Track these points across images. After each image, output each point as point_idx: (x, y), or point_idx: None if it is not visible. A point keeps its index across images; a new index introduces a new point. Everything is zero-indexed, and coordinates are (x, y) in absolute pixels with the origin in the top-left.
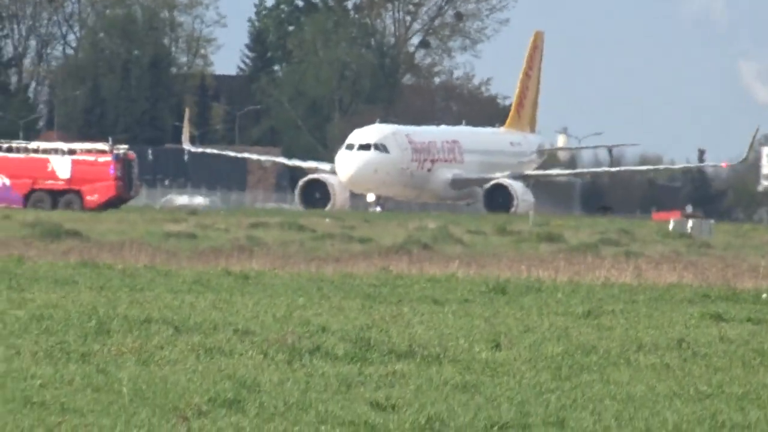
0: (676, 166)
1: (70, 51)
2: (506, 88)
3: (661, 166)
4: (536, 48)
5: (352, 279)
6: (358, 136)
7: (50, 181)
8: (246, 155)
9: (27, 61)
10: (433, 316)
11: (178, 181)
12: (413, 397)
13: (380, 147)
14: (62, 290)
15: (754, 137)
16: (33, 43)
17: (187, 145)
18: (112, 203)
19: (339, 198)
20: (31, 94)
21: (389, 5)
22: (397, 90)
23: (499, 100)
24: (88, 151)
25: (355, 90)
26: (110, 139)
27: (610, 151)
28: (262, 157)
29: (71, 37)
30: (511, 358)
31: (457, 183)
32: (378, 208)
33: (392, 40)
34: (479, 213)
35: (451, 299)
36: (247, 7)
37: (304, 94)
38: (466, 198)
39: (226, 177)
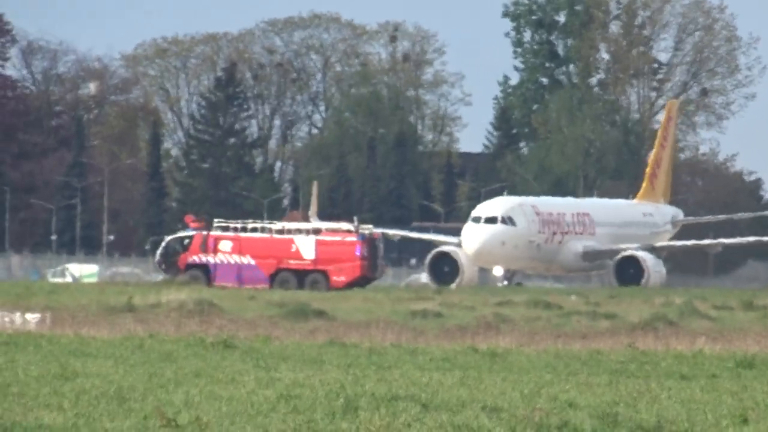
0: None
1: (315, 130)
2: (751, 163)
3: None
4: (670, 119)
5: (599, 355)
6: (484, 208)
7: (295, 261)
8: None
9: (272, 142)
10: (680, 391)
11: (424, 260)
12: None
13: (507, 220)
14: (309, 369)
15: None
16: (278, 123)
17: (314, 219)
18: (358, 283)
19: (467, 272)
20: (276, 174)
21: (634, 81)
22: (642, 166)
23: (744, 176)
24: (334, 231)
25: (601, 166)
26: (355, 218)
27: None
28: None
29: (316, 116)
30: None
31: (588, 255)
32: (505, 282)
33: (637, 116)
34: (610, 285)
35: (699, 374)
36: (491, 86)
37: (549, 171)
38: (597, 270)
39: None
